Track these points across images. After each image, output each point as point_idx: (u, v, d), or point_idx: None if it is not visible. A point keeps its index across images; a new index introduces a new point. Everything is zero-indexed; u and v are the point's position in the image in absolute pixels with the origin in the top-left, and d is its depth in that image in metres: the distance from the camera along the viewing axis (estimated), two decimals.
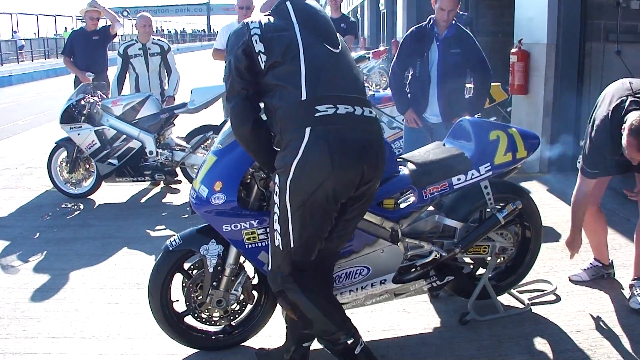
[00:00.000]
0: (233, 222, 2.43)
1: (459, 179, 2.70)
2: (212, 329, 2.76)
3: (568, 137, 5.47)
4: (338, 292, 2.62)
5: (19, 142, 8.59)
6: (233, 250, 2.55)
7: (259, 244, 2.47)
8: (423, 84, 4.02)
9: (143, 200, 5.57)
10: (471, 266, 2.98)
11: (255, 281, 2.74)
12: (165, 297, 2.63)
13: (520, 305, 3.05)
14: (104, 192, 5.61)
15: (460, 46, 3.98)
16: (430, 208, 2.86)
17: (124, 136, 5.36)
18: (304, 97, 2.07)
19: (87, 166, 5.56)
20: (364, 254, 2.58)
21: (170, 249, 2.61)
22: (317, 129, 2.05)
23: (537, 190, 5.18)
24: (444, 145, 2.90)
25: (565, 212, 4.53)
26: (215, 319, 2.68)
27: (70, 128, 5.30)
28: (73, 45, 6.40)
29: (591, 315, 2.95)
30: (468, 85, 4.52)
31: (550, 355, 2.63)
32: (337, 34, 2.28)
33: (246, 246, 2.47)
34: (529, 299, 3.07)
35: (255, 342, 2.81)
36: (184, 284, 2.67)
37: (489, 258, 2.88)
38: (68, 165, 5.49)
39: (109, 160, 5.37)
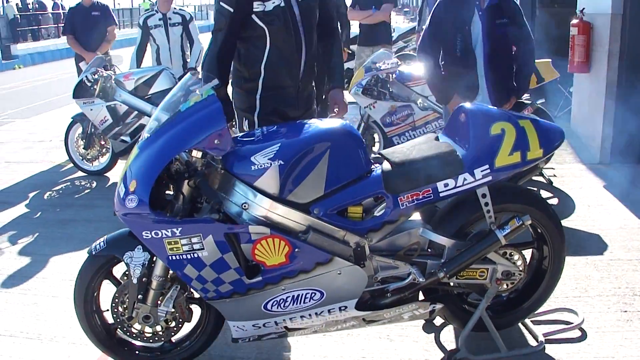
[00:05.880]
0: (153, 229, 2.01)
1: (446, 185, 2.11)
2: (150, 344, 2.38)
3: (635, 123, 4.58)
4: (286, 317, 2.15)
5: (59, 116, 8.62)
6: (160, 260, 2.14)
7: (184, 256, 2.03)
8: (468, 65, 3.27)
9: None
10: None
11: (197, 295, 2.32)
12: (90, 306, 2.29)
13: (532, 342, 2.44)
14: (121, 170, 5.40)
15: (508, 14, 3.27)
16: (416, 217, 2.30)
17: (136, 112, 5.07)
18: None
19: (103, 142, 5.36)
20: (314, 275, 2.07)
21: (94, 253, 2.24)
22: None
23: (590, 186, 4.39)
24: (437, 139, 2.30)
25: (620, 217, 3.79)
26: (147, 335, 2.29)
27: (83, 103, 5.09)
28: (73, 23, 6.15)
29: None
30: None
31: None
32: None
33: (169, 257, 2.05)
34: (544, 334, 2.45)
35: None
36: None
37: (488, 284, 2.29)
38: (84, 141, 5.32)
39: (122, 137, 5.15)
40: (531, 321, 2.55)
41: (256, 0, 2.50)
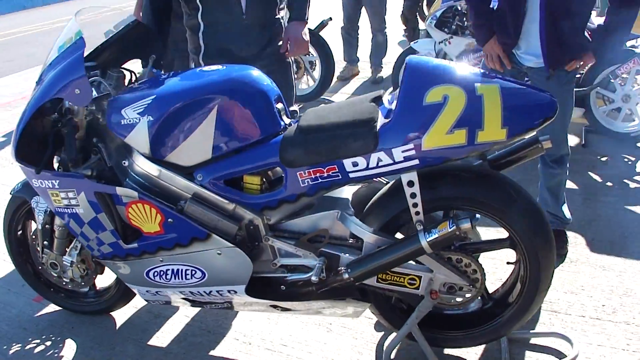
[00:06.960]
0: (38, 178, 1.87)
1: (355, 164, 1.61)
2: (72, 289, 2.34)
3: None
4: (175, 290, 1.91)
5: None
6: None
7: (66, 210, 1.87)
8: (517, 2, 2.34)
9: None
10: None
11: None
12: (15, 244, 2.28)
13: None
14: None
15: None
16: (344, 195, 1.84)
17: None
18: None
19: None
20: (191, 252, 1.78)
21: (12, 193, 2.20)
22: None
23: None
24: (377, 99, 1.76)
25: None
26: (65, 280, 2.23)
27: None
28: None
29: None
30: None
31: None
32: None
33: (56, 209, 1.91)
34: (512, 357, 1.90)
35: (125, 312, 2.33)
36: None
37: (422, 295, 1.78)
38: None
39: None
40: (508, 341, 2.00)
41: None
